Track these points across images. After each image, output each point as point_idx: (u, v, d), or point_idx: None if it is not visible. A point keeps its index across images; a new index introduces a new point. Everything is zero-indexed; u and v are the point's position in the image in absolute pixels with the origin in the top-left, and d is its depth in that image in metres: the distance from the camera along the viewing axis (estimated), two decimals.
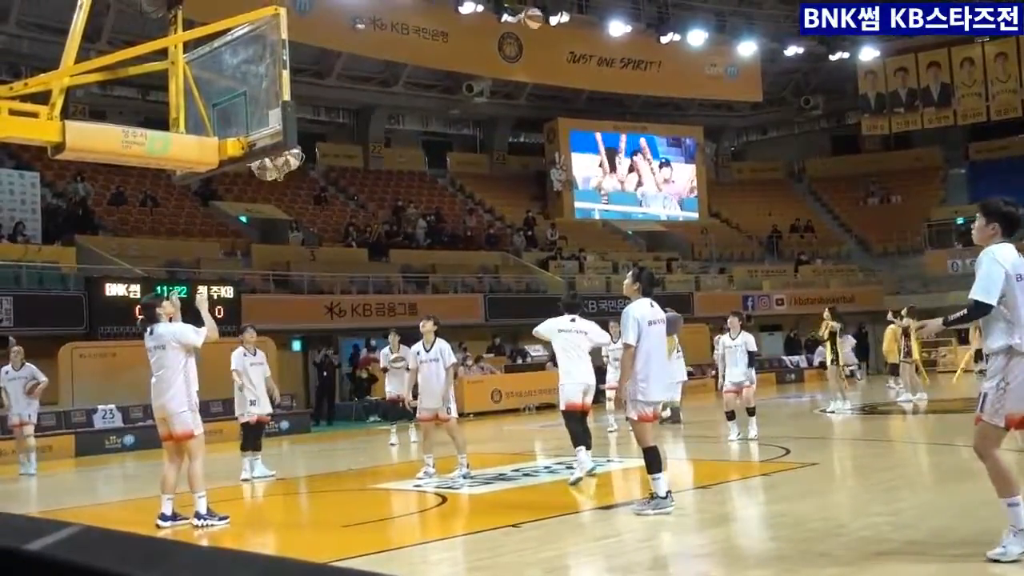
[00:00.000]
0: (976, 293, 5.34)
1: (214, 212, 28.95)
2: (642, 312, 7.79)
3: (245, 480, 11.47)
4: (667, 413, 15.19)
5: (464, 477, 10.30)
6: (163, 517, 8.28)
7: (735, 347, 13.63)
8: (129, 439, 17.72)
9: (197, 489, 8.26)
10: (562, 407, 9.96)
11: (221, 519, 8.34)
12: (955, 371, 28.06)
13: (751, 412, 13.42)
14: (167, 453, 8.55)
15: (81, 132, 7.30)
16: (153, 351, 8.47)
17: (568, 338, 9.90)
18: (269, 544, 7.83)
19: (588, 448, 9.69)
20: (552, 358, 24.76)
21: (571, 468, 10.39)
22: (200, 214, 28.63)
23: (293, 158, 7.81)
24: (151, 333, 8.49)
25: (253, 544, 7.78)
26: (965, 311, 5.52)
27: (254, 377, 11.71)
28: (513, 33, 33.62)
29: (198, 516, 8.25)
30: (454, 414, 10.82)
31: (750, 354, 13.58)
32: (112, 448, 17.49)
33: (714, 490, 8.82)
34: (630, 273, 8.28)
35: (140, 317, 8.88)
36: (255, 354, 11.92)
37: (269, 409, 12.09)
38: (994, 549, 5.28)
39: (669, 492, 7.61)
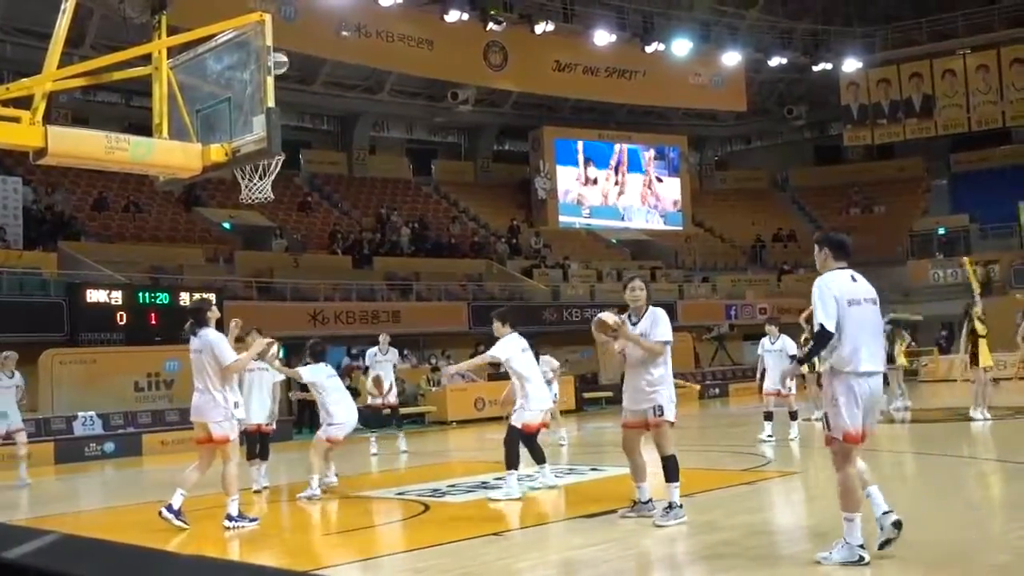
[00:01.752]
0: (818, 319, 5.79)
1: (197, 218, 28.83)
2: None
3: (257, 491, 11.23)
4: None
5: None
6: (169, 509, 8.30)
7: (773, 351, 14.35)
8: (109, 446, 17.61)
9: (231, 493, 8.40)
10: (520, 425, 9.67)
11: (251, 520, 8.53)
12: (936, 380, 28.28)
13: (793, 416, 13.99)
14: (200, 455, 8.65)
15: (64, 137, 7.27)
16: (196, 354, 8.49)
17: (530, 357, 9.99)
18: (251, 552, 7.78)
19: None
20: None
21: (556, 476, 10.38)
22: (183, 220, 28.50)
23: None
24: (197, 336, 8.52)
25: (235, 552, 7.74)
26: (813, 342, 5.94)
27: (254, 384, 11.32)
28: (498, 41, 33.69)
29: (229, 518, 8.36)
30: None
31: (792, 357, 13.93)
32: (92, 456, 17.37)
33: (696, 499, 8.82)
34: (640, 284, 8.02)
35: (189, 321, 8.78)
36: (259, 360, 11.63)
37: (260, 419, 11.37)
38: (821, 552, 5.81)
39: (650, 499, 7.71)
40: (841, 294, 5.82)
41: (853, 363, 5.78)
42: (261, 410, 11.40)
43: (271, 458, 11.84)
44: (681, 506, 7.48)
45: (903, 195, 40.18)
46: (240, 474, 8.81)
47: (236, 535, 8.24)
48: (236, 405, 8.55)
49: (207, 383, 8.38)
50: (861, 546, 5.64)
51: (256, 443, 11.54)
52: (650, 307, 7.85)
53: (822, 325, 5.76)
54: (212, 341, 8.43)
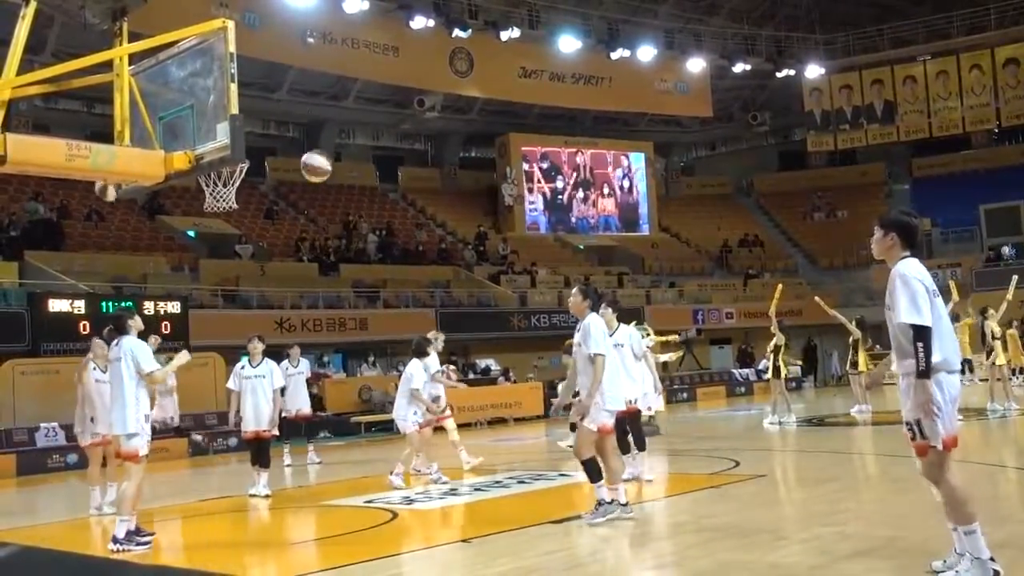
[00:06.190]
0: (910, 316, 4.96)
1: (161, 227, 28.57)
2: (603, 326, 8.09)
3: (253, 495, 11.25)
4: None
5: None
6: (115, 540, 8.01)
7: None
8: (72, 458, 17.33)
9: (124, 512, 7.96)
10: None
11: (142, 543, 7.90)
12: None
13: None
14: (125, 471, 8.37)
15: (23, 145, 7.16)
16: (113, 363, 8.31)
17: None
18: (216, 562, 7.70)
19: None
20: (505, 372, 24.79)
21: (524, 482, 10.37)
22: (147, 229, 28.24)
23: None
24: (116, 344, 8.33)
25: (200, 562, 7.65)
26: (920, 345, 4.94)
27: (256, 391, 11.34)
28: (464, 48, 33.69)
29: (115, 540, 7.76)
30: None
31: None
32: (55, 467, 17.13)
33: (664, 502, 8.87)
34: (576, 290, 8.40)
35: (109, 327, 8.63)
36: (257, 367, 11.49)
37: (256, 426, 11.42)
38: (946, 573, 5.15)
39: (615, 500, 7.83)
40: (928, 283, 5.10)
41: (950, 360, 5.10)
42: (257, 418, 11.38)
43: (233, 465, 11.75)
44: (611, 502, 7.81)
45: (865, 200, 40.61)
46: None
47: (145, 550, 7.81)
48: (146, 418, 8.28)
49: (123, 394, 8.12)
50: (992, 559, 4.97)
51: (256, 449, 11.46)
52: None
53: (916, 324, 4.97)
54: (132, 348, 8.22)
